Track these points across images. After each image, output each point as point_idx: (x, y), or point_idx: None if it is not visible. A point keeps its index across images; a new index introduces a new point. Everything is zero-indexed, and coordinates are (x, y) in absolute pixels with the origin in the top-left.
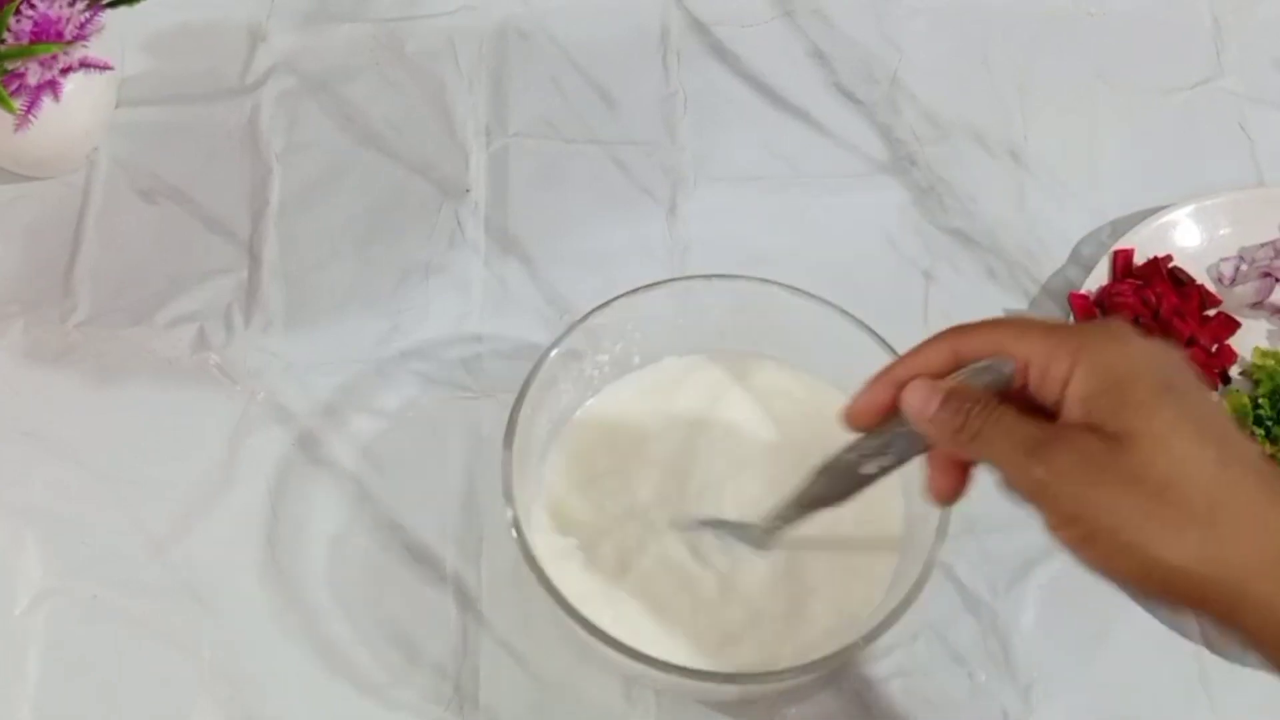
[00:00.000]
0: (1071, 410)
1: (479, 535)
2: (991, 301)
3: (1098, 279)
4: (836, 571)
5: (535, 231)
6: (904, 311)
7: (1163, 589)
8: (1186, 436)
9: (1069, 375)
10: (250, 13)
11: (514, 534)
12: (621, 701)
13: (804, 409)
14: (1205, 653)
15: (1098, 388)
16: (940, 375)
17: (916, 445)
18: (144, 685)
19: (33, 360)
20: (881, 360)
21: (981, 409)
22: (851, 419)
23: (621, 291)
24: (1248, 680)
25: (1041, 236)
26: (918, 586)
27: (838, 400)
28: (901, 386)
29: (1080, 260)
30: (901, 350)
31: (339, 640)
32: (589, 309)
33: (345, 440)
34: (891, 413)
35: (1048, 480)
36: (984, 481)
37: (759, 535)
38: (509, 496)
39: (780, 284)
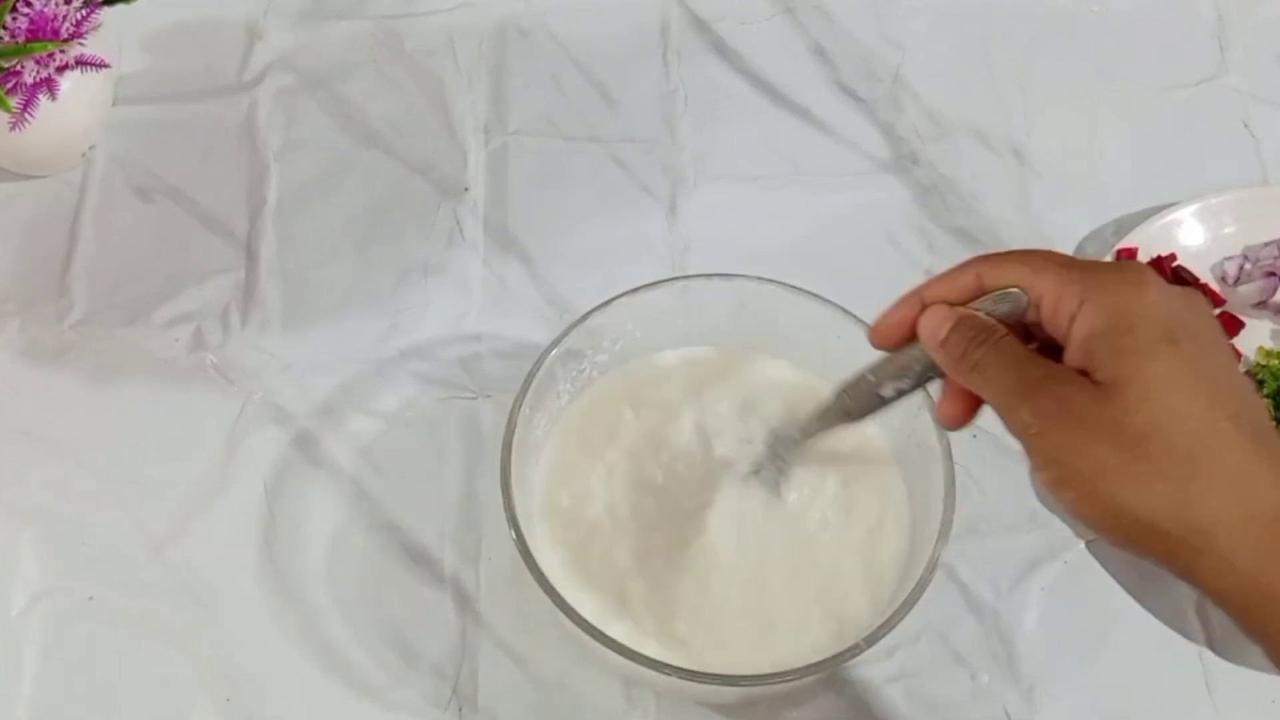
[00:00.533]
0: (1072, 350)
1: (477, 536)
2: None
3: None
4: (838, 571)
5: (535, 230)
6: None
7: (1128, 538)
8: (1176, 388)
9: (1075, 313)
10: (247, 10)
11: (513, 535)
12: (621, 703)
13: (800, 402)
14: (1208, 653)
15: (1098, 330)
16: (963, 302)
17: (932, 370)
18: (142, 686)
19: (29, 359)
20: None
21: (984, 340)
22: (876, 336)
23: (621, 291)
24: (1250, 681)
25: (1044, 235)
26: (920, 587)
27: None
28: (925, 307)
29: (1085, 257)
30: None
31: (337, 641)
32: (588, 309)
33: (343, 440)
34: (914, 334)
35: (1031, 422)
36: (986, 484)
37: (778, 452)
38: (507, 497)
39: (780, 283)
